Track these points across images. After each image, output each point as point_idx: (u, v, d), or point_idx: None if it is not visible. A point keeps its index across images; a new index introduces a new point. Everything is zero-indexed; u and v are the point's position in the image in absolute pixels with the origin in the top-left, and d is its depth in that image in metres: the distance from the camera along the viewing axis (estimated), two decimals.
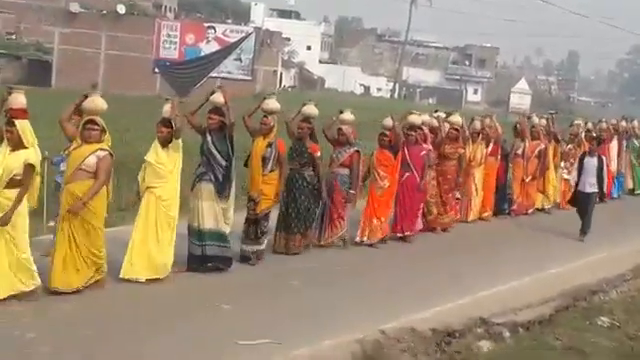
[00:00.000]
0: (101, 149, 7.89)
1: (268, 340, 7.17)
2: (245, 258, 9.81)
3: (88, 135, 7.88)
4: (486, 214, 14.59)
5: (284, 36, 58.84)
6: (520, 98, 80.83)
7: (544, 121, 16.45)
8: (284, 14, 77.73)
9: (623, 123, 19.34)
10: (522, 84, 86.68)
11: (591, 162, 13.51)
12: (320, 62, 77.31)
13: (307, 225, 10.59)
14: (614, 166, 18.33)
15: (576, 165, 14.14)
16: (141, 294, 8.32)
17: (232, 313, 8.05)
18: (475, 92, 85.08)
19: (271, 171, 9.77)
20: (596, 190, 13.54)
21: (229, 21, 57.91)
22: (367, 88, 77.71)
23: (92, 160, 7.82)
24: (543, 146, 15.55)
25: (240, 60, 48.40)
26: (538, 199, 15.99)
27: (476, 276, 10.34)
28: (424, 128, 12.36)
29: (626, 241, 13.59)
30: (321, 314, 8.24)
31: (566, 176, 16.06)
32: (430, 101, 74.69)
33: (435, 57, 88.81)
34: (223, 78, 47.35)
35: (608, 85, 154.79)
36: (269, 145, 9.69)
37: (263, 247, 9.97)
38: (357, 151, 11.03)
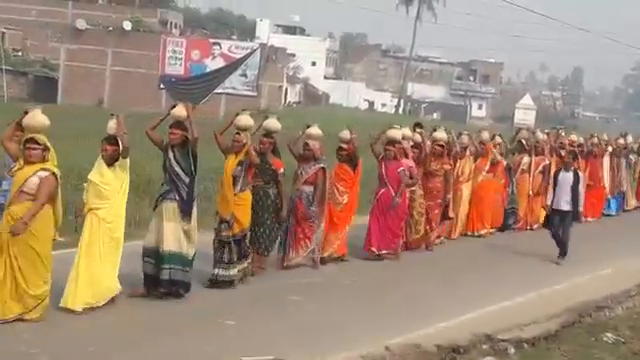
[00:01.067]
0: (43, 169, 7.40)
1: (272, 357, 7.14)
2: (217, 283, 9.25)
3: (29, 155, 7.38)
4: (485, 230, 14.51)
5: (289, 52, 59.05)
6: (525, 114, 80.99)
7: (545, 136, 16.45)
8: (289, 30, 78.02)
9: (621, 141, 18.88)
10: (527, 100, 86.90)
11: (566, 178, 12.73)
12: (325, 78, 77.52)
13: (268, 245, 10.09)
14: (607, 183, 17.98)
15: (551, 182, 13.35)
16: (134, 313, 8.32)
17: (235, 329, 8.05)
18: (480, 107, 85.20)
19: (242, 191, 9.30)
20: (571, 208, 12.73)
21: (234, 37, 58.16)
22: (372, 103, 77.86)
23: (34, 181, 7.35)
24: (547, 162, 15.52)
25: (245, 76, 48.51)
26: (542, 214, 15.94)
27: (480, 292, 10.32)
28: (404, 143, 12.02)
29: (630, 257, 13.49)
30: (324, 330, 8.23)
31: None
32: (434, 116, 74.78)
33: (440, 72, 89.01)
34: (228, 94, 47.55)
35: (613, 101, 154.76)
36: (240, 163, 9.25)
37: (243, 267, 9.45)
38: (323, 168, 10.57)
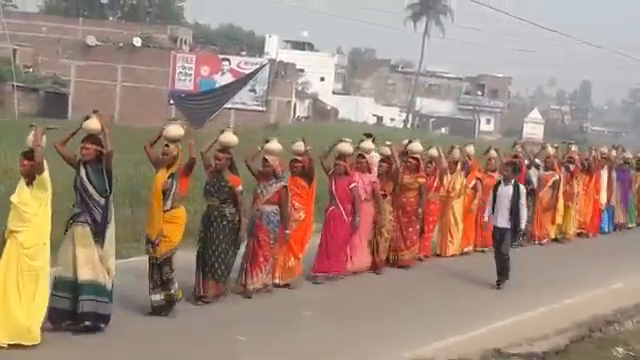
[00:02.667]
0: None
1: None
2: (156, 308, 8.53)
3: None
4: (470, 248, 13.94)
5: (298, 67, 59.32)
6: (533, 128, 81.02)
7: (554, 151, 16.29)
8: (298, 46, 78.31)
9: (614, 152, 18.38)
10: (535, 114, 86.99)
11: (505, 192, 11.49)
12: (334, 93, 77.72)
13: (224, 270, 9.23)
14: (604, 197, 17.49)
15: (489, 197, 11.95)
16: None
17: (247, 344, 8.08)
18: (488, 122, 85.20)
19: (173, 208, 8.50)
20: (510, 226, 11.41)
21: (243, 53, 58.42)
22: (380, 118, 77.97)
23: None
24: (557, 177, 15.47)
25: (254, 91, 48.72)
26: (552, 229, 15.91)
27: (490, 306, 10.33)
28: (367, 156, 11.39)
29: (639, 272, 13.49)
30: (336, 345, 8.26)
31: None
32: (443, 131, 74.82)
33: (448, 87, 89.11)
34: (237, 109, 47.76)
35: (621, 115, 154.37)
36: (170, 177, 8.49)
37: (171, 293, 8.54)
38: (285, 186, 9.80)
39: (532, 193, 14.92)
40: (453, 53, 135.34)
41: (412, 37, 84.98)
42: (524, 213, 11.56)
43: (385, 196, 11.64)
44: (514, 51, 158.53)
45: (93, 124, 7.85)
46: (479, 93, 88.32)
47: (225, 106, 48.10)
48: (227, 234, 9.20)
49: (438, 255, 13.44)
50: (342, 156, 10.96)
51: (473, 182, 13.76)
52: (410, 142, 12.56)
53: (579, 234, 16.82)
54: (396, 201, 12.01)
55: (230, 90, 48.40)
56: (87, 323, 7.67)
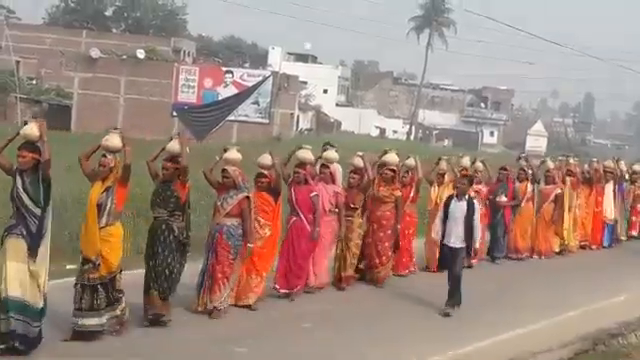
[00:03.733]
0: None
1: None
2: (79, 334, 7.88)
3: None
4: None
5: (301, 80, 59.39)
6: (536, 140, 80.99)
7: (557, 163, 16.28)
8: (301, 58, 78.52)
9: (611, 164, 17.78)
10: (538, 126, 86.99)
11: (458, 207, 10.54)
12: (337, 105, 77.83)
13: (169, 287, 8.62)
14: (610, 212, 17.26)
15: (440, 213, 10.99)
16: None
17: (246, 356, 8.06)
18: (491, 134, 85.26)
19: (108, 225, 7.95)
20: (464, 245, 10.50)
21: (247, 65, 58.60)
22: (383, 130, 78.04)
23: None
24: (559, 190, 15.34)
25: (257, 103, 48.77)
26: (556, 243, 15.80)
27: (493, 319, 10.28)
28: (331, 167, 10.90)
29: None
30: (336, 357, 8.23)
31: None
32: (446, 143, 74.88)
33: (451, 100, 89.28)
34: (241, 121, 47.81)
35: (625, 127, 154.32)
36: (106, 190, 7.96)
37: (115, 315, 8.09)
38: (247, 196, 9.30)
39: (517, 207, 14.78)
40: (456, 65, 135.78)
41: (415, 49, 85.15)
42: (478, 231, 10.72)
43: (355, 209, 11.20)
44: (517, 63, 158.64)
45: (31, 131, 7.53)
46: (482, 105, 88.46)
47: (228, 118, 48.16)
48: (173, 249, 8.60)
49: (427, 269, 13.02)
50: (302, 164, 10.46)
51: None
52: (385, 153, 11.95)
53: (582, 247, 16.75)
54: (371, 215, 11.59)
55: (233, 102, 48.46)
56: (15, 344, 7.17)
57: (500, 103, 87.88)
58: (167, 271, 8.58)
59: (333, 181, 10.96)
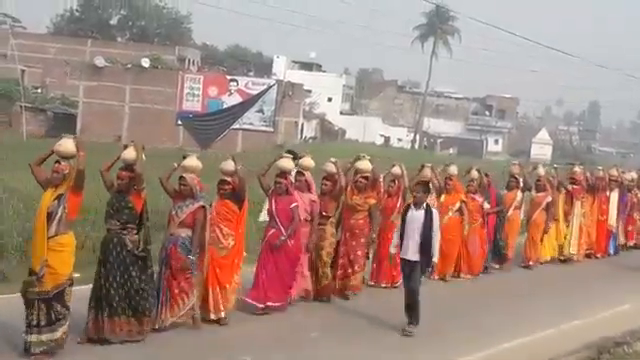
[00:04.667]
0: None
1: None
2: (30, 351, 7.52)
3: None
4: (448, 275, 13.19)
5: (305, 88, 59.43)
6: (541, 148, 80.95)
7: (553, 171, 16.13)
8: (305, 66, 78.60)
9: (614, 172, 17.80)
10: (543, 134, 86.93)
11: (415, 217, 9.74)
12: (341, 113, 77.83)
13: (130, 305, 8.19)
14: (613, 220, 17.31)
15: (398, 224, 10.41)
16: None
17: None
18: (496, 142, 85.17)
19: (58, 234, 7.58)
20: (421, 258, 9.65)
21: (251, 74, 58.65)
22: (387, 139, 78.02)
23: None
24: (551, 198, 15.11)
25: (262, 112, 48.86)
26: (550, 251, 15.65)
27: (497, 328, 10.26)
28: (306, 174, 10.59)
29: None
30: None
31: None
32: (451, 151, 74.81)
33: (455, 108, 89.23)
34: (245, 130, 47.89)
35: (630, 135, 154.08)
36: (57, 198, 7.62)
37: (58, 336, 7.62)
38: (203, 206, 8.87)
39: (503, 214, 14.56)
40: (461, 74, 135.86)
41: (420, 58, 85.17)
42: (437, 242, 9.70)
43: (328, 217, 10.86)
44: (522, 72, 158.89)
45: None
46: (487, 113, 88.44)
47: (233, 127, 48.26)
48: (128, 264, 8.15)
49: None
50: (283, 173, 10.12)
51: (458, 205, 13.06)
52: (358, 159, 11.55)
53: (587, 255, 16.70)
54: (344, 223, 11.27)
55: (238, 111, 48.55)
56: None
57: (505, 111, 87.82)
58: (126, 288, 8.14)
59: (309, 189, 10.62)
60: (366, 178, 11.35)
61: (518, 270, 14.86)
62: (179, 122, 48.26)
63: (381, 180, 12.17)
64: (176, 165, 9.15)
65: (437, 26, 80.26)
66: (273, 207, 10.04)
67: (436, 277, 12.93)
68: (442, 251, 12.41)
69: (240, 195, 9.44)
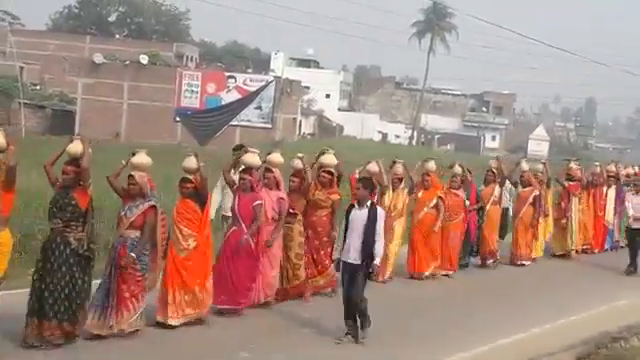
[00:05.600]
0: None
1: None
2: None
3: None
4: (428, 271, 12.76)
5: (303, 85, 59.52)
6: (538, 145, 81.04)
7: (541, 166, 15.90)
8: (303, 63, 78.59)
9: (612, 167, 17.75)
10: (540, 131, 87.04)
11: (358, 217, 8.86)
12: (339, 110, 77.90)
13: (70, 308, 7.70)
14: (610, 216, 17.23)
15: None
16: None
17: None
18: (493, 139, 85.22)
19: None
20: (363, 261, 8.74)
21: (249, 70, 58.69)
22: (385, 135, 78.08)
23: None
24: (537, 192, 14.78)
25: (260, 108, 48.92)
26: (538, 248, 15.33)
27: (494, 324, 10.32)
28: (275, 171, 10.14)
29: None
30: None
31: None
32: (448, 147, 74.86)
33: (453, 104, 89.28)
34: (243, 126, 47.95)
35: (627, 131, 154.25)
36: None
37: None
38: (153, 206, 8.34)
39: (482, 210, 14.20)
40: (458, 70, 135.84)
41: (417, 54, 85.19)
42: (380, 244, 8.82)
43: (295, 215, 10.42)
44: (520, 68, 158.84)
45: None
46: (484, 110, 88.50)
47: (231, 123, 48.32)
48: (71, 265, 7.70)
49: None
50: (248, 169, 9.64)
51: (434, 201, 12.64)
52: (322, 154, 11.01)
53: (584, 251, 16.79)
54: (306, 220, 10.61)
55: (236, 107, 48.61)
56: None
57: (502, 107, 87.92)
58: (67, 290, 7.67)
59: (277, 186, 10.17)
60: (330, 173, 10.80)
61: (512, 267, 14.70)
62: (177, 119, 48.32)
63: (356, 176, 11.65)
64: (124, 162, 8.51)
65: (434, 23, 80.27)
66: (236, 205, 9.55)
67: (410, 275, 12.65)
68: (417, 249, 12.68)
69: (202, 194, 8.95)
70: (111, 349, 7.93)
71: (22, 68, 53.13)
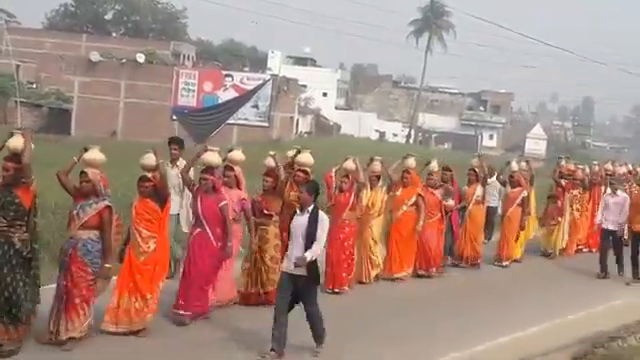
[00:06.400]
0: None
1: None
2: None
3: None
4: (404, 274, 12.41)
5: (300, 83, 59.48)
6: (535, 143, 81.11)
7: (524, 164, 15.68)
8: (300, 61, 78.59)
9: (609, 166, 17.54)
10: (537, 129, 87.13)
11: (300, 223, 8.13)
12: (336, 108, 77.90)
13: (14, 312, 7.39)
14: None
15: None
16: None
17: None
18: (490, 137, 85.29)
19: None
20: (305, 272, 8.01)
21: (246, 69, 58.70)
22: (382, 134, 78.09)
23: None
24: (526, 193, 14.55)
25: (257, 107, 48.89)
26: (518, 248, 14.93)
27: (490, 324, 10.28)
28: (236, 169, 9.83)
29: None
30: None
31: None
32: (446, 146, 74.92)
33: (450, 103, 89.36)
34: (240, 125, 47.91)
35: (624, 130, 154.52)
36: None
37: None
38: (109, 206, 7.93)
39: (464, 210, 13.92)
40: (455, 69, 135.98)
41: (414, 53, 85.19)
42: (317, 247, 8.04)
43: (270, 216, 10.03)
44: (517, 67, 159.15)
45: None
46: (481, 109, 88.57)
47: (228, 122, 48.28)
48: (14, 266, 7.36)
49: (361, 282, 11.78)
50: (209, 169, 9.15)
51: (413, 198, 12.29)
52: (298, 152, 10.76)
53: (577, 250, 16.73)
54: (282, 222, 9.96)
55: (233, 106, 48.58)
56: None
57: (499, 106, 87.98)
58: (7, 292, 7.35)
59: (238, 185, 9.81)
60: (305, 172, 10.40)
61: (497, 267, 14.46)
62: (174, 117, 48.27)
63: (332, 174, 11.49)
64: (76, 159, 8.11)
65: (432, 21, 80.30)
66: (198, 206, 9.03)
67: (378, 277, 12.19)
68: (394, 249, 12.28)
69: (162, 193, 8.53)
70: (63, 356, 7.62)
71: (18, 66, 53.01)
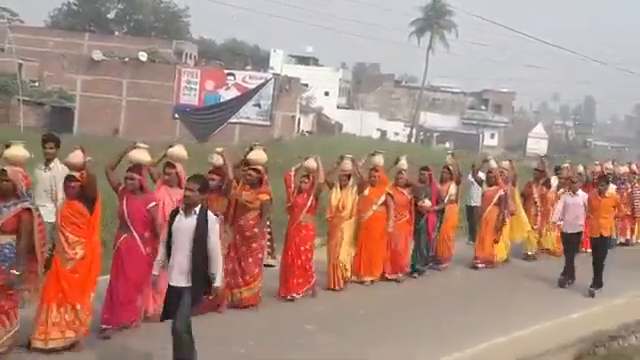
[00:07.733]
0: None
1: None
2: None
3: None
4: (370, 278, 11.98)
5: (302, 82, 59.44)
6: (537, 143, 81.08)
7: (507, 163, 15.20)
8: (302, 60, 78.58)
9: (598, 168, 17.23)
10: (539, 129, 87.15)
11: (185, 227, 7.17)
12: (338, 107, 77.88)
13: None
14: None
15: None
16: None
17: (246, 357, 8.14)
18: (492, 137, 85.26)
19: None
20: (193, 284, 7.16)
21: (248, 68, 58.61)
22: (384, 133, 78.06)
23: None
24: (503, 192, 14.05)
25: (259, 106, 48.88)
26: (502, 249, 14.49)
27: (491, 323, 10.30)
28: (177, 166, 9.21)
29: None
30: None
31: None
32: (447, 145, 74.92)
33: (452, 102, 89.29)
34: (242, 124, 47.91)
35: (625, 130, 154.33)
36: None
37: None
38: (29, 209, 7.31)
39: (442, 212, 13.39)
40: (457, 68, 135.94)
41: (416, 52, 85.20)
42: (218, 262, 7.16)
43: (216, 216, 8.69)
44: (519, 66, 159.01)
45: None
46: (483, 108, 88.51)
47: (230, 121, 48.26)
48: None
49: (331, 289, 11.30)
50: (136, 167, 8.45)
51: (382, 198, 11.85)
52: (251, 149, 10.14)
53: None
54: (234, 224, 9.64)
55: (235, 105, 48.56)
56: None
57: (501, 105, 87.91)
58: None
59: (179, 184, 8.94)
60: (257, 171, 9.83)
61: (501, 266, 14.36)
62: (176, 116, 48.27)
63: (292, 173, 11.04)
64: None
65: (434, 21, 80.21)
66: (124, 208, 8.34)
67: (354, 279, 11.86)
68: (363, 252, 11.72)
69: (90, 194, 7.75)
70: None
71: (21, 65, 53.01)
